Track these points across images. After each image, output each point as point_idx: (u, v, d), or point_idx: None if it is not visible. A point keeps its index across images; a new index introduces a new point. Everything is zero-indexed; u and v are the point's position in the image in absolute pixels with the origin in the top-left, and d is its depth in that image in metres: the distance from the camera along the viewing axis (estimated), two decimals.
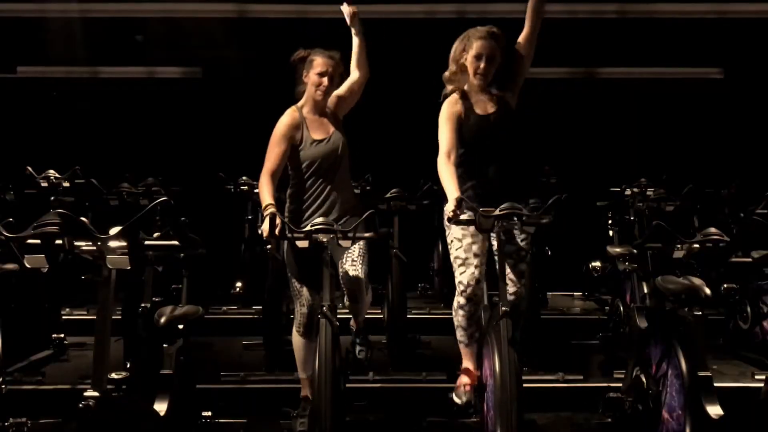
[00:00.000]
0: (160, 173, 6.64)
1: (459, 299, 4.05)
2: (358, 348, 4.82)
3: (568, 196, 3.76)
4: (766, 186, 6.03)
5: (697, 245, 3.73)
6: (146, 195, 6.09)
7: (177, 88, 7.92)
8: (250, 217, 6.74)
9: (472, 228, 3.97)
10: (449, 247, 4.14)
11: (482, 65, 4.04)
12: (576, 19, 7.41)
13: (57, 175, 6.08)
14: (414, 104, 7.24)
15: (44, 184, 6.08)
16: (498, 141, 4.10)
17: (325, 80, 4.21)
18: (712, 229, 3.76)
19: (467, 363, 4.13)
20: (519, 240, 4.07)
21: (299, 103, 4.34)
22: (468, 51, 4.08)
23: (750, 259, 5.13)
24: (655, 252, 3.99)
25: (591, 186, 6.45)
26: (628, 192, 6.15)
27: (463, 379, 4.11)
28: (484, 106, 4.13)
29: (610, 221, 5.96)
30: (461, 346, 4.16)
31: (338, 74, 4.29)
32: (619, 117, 7.85)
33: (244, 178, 6.57)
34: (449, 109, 4.12)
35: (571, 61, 7.93)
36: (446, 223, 4.09)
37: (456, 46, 4.15)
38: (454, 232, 4.11)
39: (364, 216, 3.87)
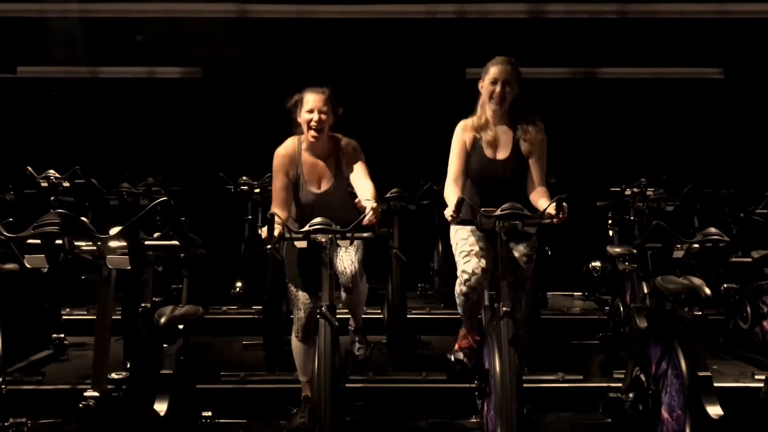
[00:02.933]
0: (160, 173, 6.64)
1: (462, 287, 4.04)
2: (357, 346, 4.79)
3: (568, 196, 3.75)
4: (766, 186, 6.03)
5: (697, 245, 3.72)
6: (146, 195, 6.09)
7: (177, 88, 7.92)
8: (250, 217, 6.74)
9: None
10: (454, 247, 4.14)
11: (498, 89, 4.03)
12: (576, 19, 7.41)
13: (57, 175, 6.07)
14: (414, 104, 7.28)
15: (44, 184, 6.06)
16: (504, 184, 4.08)
17: (315, 116, 4.11)
18: (712, 229, 3.76)
19: (466, 329, 4.21)
20: (522, 247, 4.06)
21: (302, 137, 4.26)
22: (484, 78, 4.09)
23: (750, 259, 5.13)
24: (655, 252, 3.99)
25: (591, 186, 6.45)
26: (628, 192, 6.15)
27: (462, 342, 4.20)
28: (494, 147, 4.11)
29: (610, 221, 5.97)
30: (462, 318, 4.24)
31: (330, 108, 4.15)
32: (619, 117, 7.84)
33: (244, 178, 6.57)
34: (459, 136, 4.14)
35: (571, 61, 7.93)
36: (452, 227, 4.10)
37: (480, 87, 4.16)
38: (459, 233, 4.11)
39: (363, 216, 3.86)
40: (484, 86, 4.09)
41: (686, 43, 7.51)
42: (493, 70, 4.05)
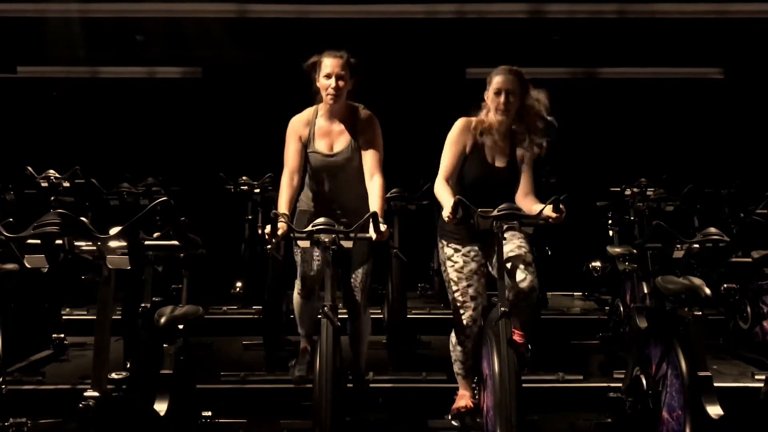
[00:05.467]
0: (160, 173, 6.64)
1: (459, 337, 4.02)
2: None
3: (568, 196, 3.75)
4: (766, 186, 6.03)
5: (697, 245, 3.73)
6: (146, 195, 6.10)
7: (177, 88, 7.92)
8: (250, 217, 6.75)
9: (464, 250, 3.98)
10: (444, 273, 4.10)
11: (502, 99, 3.91)
12: (576, 19, 7.41)
13: (57, 175, 6.08)
14: (414, 104, 7.27)
15: (44, 184, 6.07)
16: (499, 191, 3.96)
17: (332, 81, 4.08)
18: (712, 229, 3.76)
19: (463, 390, 4.11)
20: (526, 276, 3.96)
21: (320, 105, 4.26)
22: (488, 89, 3.97)
23: (750, 259, 5.14)
24: (655, 252, 3.99)
25: (591, 186, 6.45)
26: (628, 192, 6.15)
27: (460, 403, 4.08)
28: (494, 155, 4.02)
29: (610, 221, 5.97)
30: (458, 378, 4.13)
31: (348, 74, 4.12)
32: (619, 117, 7.85)
33: (244, 178, 6.57)
34: (458, 135, 4.01)
35: (571, 61, 7.92)
36: (438, 242, 4.08)
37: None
38: (447, 253, 4.06)
39: (365, 217, 3.85)
40: (489, 97, 3.97)
41: (686, 43, 7.51)
42: (495, 80, 3.95)
